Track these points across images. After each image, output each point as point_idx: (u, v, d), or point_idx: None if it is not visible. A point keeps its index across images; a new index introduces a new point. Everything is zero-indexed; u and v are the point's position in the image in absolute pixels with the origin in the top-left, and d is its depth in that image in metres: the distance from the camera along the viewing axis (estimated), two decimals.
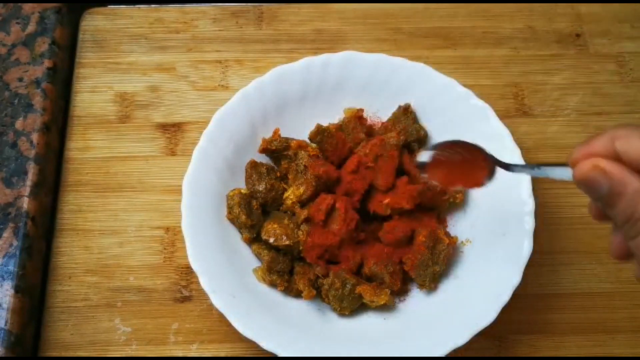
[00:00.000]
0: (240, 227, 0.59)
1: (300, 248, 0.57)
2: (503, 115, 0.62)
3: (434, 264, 0.57)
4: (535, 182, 0.59)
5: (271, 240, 0.57)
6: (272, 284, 0.58)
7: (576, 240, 0.64)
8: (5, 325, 0.57)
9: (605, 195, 0.36)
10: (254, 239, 0.59)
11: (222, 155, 0.60)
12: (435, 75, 0.63)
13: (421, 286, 0.58)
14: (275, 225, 0.58)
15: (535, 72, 0.72)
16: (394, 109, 0.64)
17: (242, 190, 0.60)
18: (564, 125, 0.70)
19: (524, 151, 0.60)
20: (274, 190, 0.60)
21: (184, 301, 0.61)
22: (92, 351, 0.59)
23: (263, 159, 0.63)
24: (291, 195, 0.59)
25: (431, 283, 0.58)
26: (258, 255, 0.59)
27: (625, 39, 0.74)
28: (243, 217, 0.58)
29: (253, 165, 0.61)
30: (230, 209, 0.59)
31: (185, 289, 0.61)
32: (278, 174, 0.62)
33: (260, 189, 0.59)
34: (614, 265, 0.62)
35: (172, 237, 0.64)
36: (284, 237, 0.57)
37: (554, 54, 0.73)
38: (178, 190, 0.59)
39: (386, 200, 0.58)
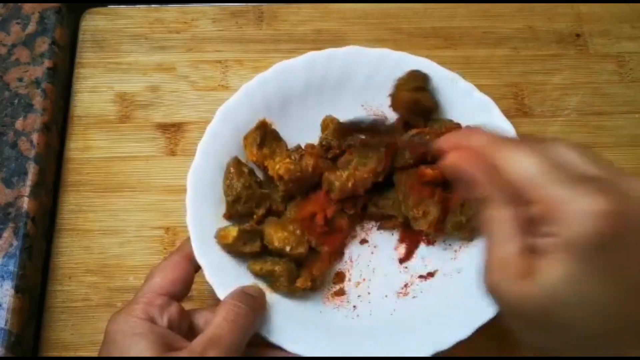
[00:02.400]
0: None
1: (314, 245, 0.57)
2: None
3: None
4: None
5: (287, 248, 0.55)
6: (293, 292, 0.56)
7: None
8: (5, 325, 0.57)
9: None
10: (254, 260, 0.57)
11: (227, 150, 0.60)
12: (439, 69, 0.63)
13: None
14: (286, 234, 0.56)
15: (535, 72, 0.72)
16: None
17: (240, 227, 0.56)
18: (564, 125, 0.70)
19: None
20: (251, 189, 0.58)
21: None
22: (92, 351, 0.59)
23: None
24: (282, 166, 0.58)
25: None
26: (267, 273, 0.56)
27: (625, 39, 0.74)
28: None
29: (236, 163, 0.59)
30: (230, 244, 0.55)
31: None
32: (258, 180, 0.60)
33: (239, 184, 0.58)
34: None
35: (172, 237, 0.64)
36: (298, 245, 0.56)
37: (554, 54, 0.73)
38: (178, 190, 0.58)
39: None
